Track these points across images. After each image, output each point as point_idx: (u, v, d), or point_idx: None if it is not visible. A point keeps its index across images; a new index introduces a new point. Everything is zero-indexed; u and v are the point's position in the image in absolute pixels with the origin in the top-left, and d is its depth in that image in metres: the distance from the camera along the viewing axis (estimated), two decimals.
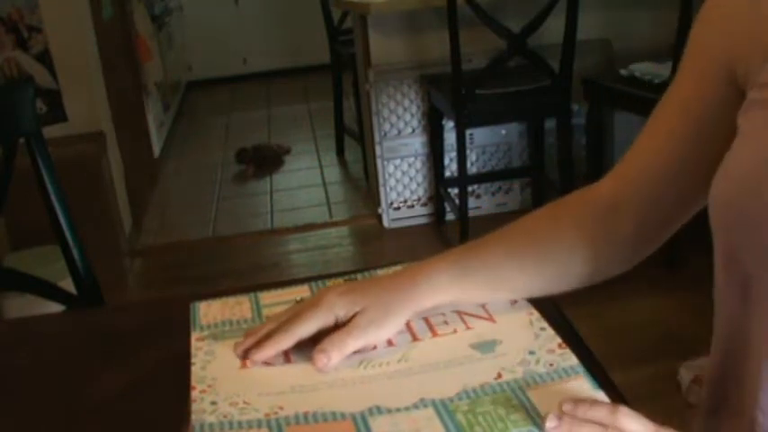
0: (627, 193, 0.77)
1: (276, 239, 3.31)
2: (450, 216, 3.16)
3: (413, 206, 3.24)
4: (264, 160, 4.14)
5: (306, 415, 0.64)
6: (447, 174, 3.11)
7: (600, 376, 0.67)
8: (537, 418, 0.61)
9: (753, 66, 0.66)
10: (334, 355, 0.71)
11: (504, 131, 3.17)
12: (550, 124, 2.96)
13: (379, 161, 3.17)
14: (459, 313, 0.78)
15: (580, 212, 0.80)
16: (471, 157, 3.14)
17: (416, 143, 3.16)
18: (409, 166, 3.19)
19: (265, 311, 0.82)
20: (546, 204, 0.82)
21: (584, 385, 0.65)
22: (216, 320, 0.81)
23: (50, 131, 2.33)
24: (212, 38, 5.81)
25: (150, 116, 4.08)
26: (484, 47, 2.84)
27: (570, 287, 0.79)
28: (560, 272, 0.79)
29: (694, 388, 1.84)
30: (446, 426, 0.61)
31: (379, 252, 3.10)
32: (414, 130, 3.14)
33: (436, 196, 3.17)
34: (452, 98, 2.68)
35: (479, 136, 3.15)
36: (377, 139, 3.13)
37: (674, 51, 2.41)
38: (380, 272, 0.85)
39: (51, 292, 1.29)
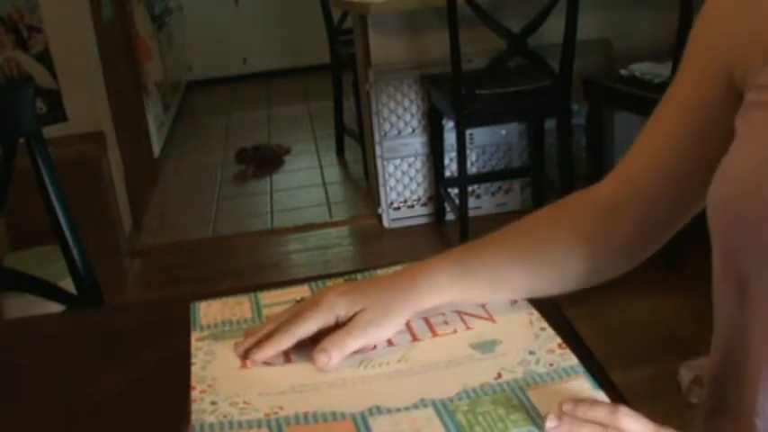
0: (627, 195, 0.77)
1: (276, 239, 3.31)
2: (450, 216, 3.15)
3: (413, 206, 3.24)
4: (264, 160, 4.14)
5: (306, 415, 0.64)
6: (447, 174, 3.11)
7: (600, 376, 0.67)
8: (537, 418, 0.61)
9: (752, 67, 0.66)
10: (335, 354, 0.71)
11: (504, 131, 3.16)
12: (550, 124, 2.96)
13: (379, 161, 3.16)
14: (459, 313, 0.78)
15: (580, 214, 0.80)
16: (471, 157, 3.14)
17: (416, 143, 3.15)
18: (409, 166, 3.19)
19: (265, 311, 0.82)
20: (546, 205, 0.82)
21: (584, 385, 0.65)
22: (216, 320, 0.81)
23: (50, 131, 2.33)
24: (212, 38, 5.81)
25: (150, 116, 4.08)
26: (484, 47, 2.84)
27: (570, 288, 0.79)
28: (560, 273, 0.79)
29: (694, 388, 1.84)
30: (446, 426, 0.61)
31: (379, 252, 3.09)
32: (414, 130, 3.14)
33: (436, 196, 3.17)
34: (452, 98, 2.68)
35: (479, 136, 3.15)
36: (377, 139, 3.13)
37: (674, 51, 2.41)
38: (380, 272, 0.86)
39: (51, 292, 1.29)
